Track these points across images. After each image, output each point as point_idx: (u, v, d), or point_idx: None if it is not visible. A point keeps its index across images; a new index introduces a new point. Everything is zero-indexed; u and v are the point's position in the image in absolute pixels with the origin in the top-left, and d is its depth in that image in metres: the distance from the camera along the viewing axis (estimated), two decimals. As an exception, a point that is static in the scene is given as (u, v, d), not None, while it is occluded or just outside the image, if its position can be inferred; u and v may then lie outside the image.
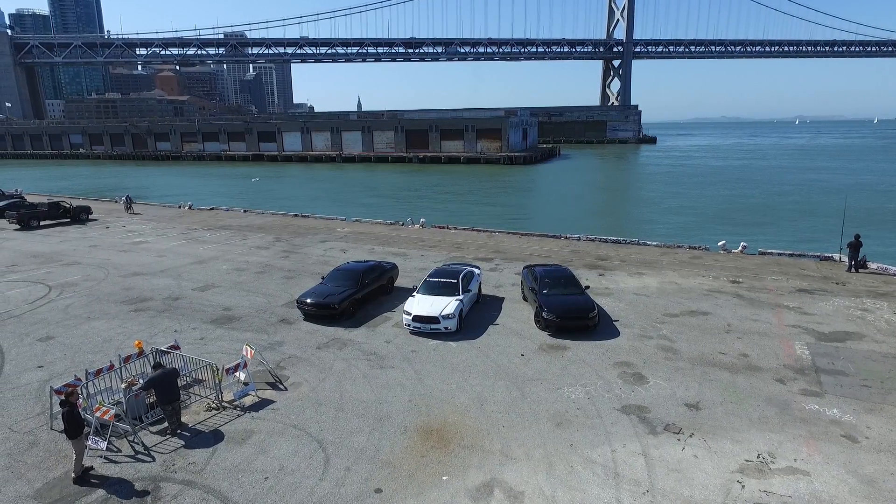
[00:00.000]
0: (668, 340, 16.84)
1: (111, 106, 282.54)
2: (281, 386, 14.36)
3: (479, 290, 20.86)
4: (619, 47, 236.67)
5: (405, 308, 18.05)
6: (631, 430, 12.03)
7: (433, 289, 18.80)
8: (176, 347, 14.81)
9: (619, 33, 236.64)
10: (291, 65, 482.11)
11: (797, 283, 22.32)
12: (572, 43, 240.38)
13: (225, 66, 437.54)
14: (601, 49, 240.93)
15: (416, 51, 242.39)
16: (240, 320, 19.31)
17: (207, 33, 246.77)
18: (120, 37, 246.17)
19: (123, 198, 35.09)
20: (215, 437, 12.15)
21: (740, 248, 28.08)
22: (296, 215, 42.30)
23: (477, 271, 21.16)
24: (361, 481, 10.50)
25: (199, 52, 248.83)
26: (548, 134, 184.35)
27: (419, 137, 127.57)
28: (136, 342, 14.63)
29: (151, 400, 12.60)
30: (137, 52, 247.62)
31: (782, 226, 43.41)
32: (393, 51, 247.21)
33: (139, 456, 11.46)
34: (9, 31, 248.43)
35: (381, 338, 17.55)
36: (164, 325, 18.98)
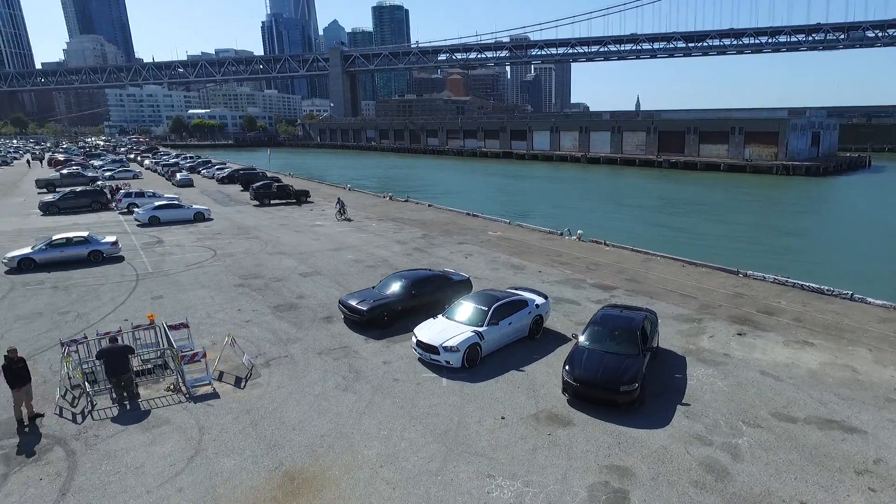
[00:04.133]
0: (733, 458, 11.22)
1: (407, 105, 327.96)
2: (242, 384, 14.18)
3: (539, 324, 17.33)
4: None
5: (415, 329, 16.03)
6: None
7: (460, 313, 16.27)
8: (186, 325, 15.88)
9: None
10: (572, 65, 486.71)
11: None
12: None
13: (508, 67, 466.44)
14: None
15: (698, 44, 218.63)
16: (294, 310, 19.90)
17: (487, 38, 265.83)
18: (419, 45, 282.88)
19: (337, 205, 39.10)
20: (139, 417, 12.60)
21: None
22: (467, 213, 42.19)
23: (539, 301, 17.60)
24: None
25: (478, 55, 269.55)
26: (863, 140, 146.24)
27: (673, 139, 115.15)
28: (149, 315, 16.16)
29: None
30: (438, 58, 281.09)
31: None
32: (671, 46, 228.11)
33: (81, 414, 12.57)
34: (341, 47, 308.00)
35: (384, 357, 15.97)
36: (239, 303, 20.75)
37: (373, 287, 19.63)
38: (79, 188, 46.59)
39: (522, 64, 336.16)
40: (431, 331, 15.54)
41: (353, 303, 18.11)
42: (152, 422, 12.42)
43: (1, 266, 25.47)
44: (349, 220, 38.82)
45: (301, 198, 47.99)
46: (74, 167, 74.70)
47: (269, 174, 64.74)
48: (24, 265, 25.02)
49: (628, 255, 28.60)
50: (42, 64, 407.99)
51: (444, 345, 14.86)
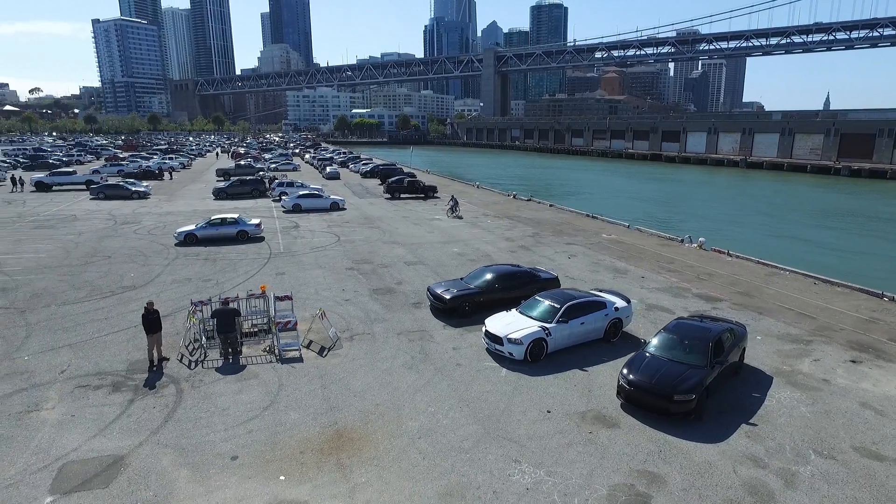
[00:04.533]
0: (786, 485, 10.28)
1: (557, 105, 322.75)
2: (324, 353, 15.99)
3: (617, 327, 16.93)
4: None
5: (486, 320, 16.61)
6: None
7: (532, 308, 16.52)
8: (290, 298, 18.16)
9: None
10: (747, 60, 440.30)
11: None
12: None
13: (671, 64, 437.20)
14: None
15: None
16: (389, 294, 21.57)
17: (650, 33, 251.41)
18: (574, 44, 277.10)
19: (450, 202, 40.56)
20: (236, 370, 14.90)
21: None
22: (587, 215, 41.23)
23: (620, 304, 17.15)
24: (233, 446, 11.36)
25: (637, 52, 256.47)
26: None
27: (859, 143, 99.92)
28: (262, 286, 18.72)
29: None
30: (595, 56, 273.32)
31: None
32: (874, 34, 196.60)
33: (196, 362, 15.26)
34: (495, 48, 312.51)
35: (455, 343, 16.83)
36: (345, 284, 23.00)
37: (461, 278, 20.56)
38: (246, 178, 53.99)
39: (687, 60, 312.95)
40: (500, 322, 16.04)
41: (439, 291, 19.20)
42: (245, 375, 14.65)
43: (172, 239, 30.84)
44: (459, 217, 39.46)
45: (429, 193, 50.53)
46: (248, 160, 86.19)
47: (406, 170, 68.78)
48: (188, 239, 30.05)
49: (751, 268, 26.10)
50: (241, 70, 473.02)
51: (508, 336, 15.30)
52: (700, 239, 30.86)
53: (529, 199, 50.12)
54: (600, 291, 18.40)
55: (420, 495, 9.94)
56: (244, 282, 23.23)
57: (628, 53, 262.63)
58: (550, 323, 15.72)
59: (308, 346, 16.41)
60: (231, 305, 16.15)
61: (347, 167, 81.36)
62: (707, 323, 14.66)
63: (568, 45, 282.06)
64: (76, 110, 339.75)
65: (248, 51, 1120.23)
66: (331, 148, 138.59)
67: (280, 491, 10.03)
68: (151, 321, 14.91)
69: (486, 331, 16.05)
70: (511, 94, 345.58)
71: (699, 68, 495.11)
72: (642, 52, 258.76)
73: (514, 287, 19.61)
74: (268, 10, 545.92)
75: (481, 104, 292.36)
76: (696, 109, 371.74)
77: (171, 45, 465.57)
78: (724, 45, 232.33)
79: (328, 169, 69.45)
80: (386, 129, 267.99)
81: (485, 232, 34.55)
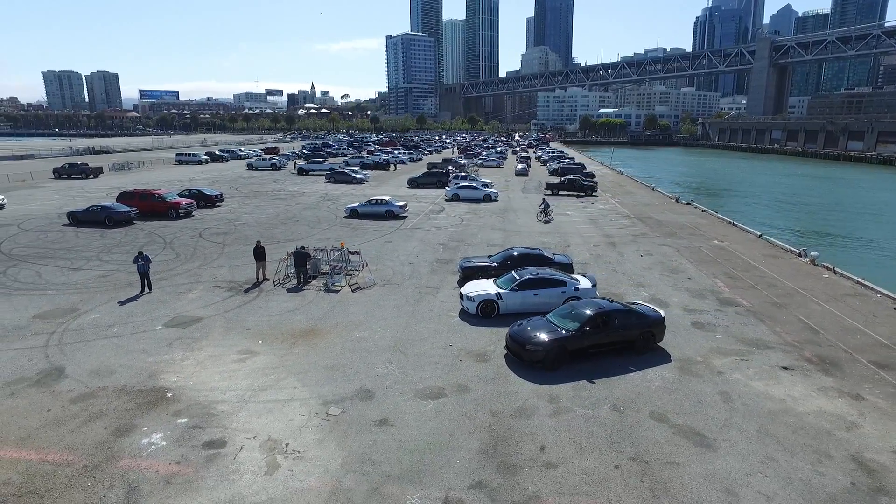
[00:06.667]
0: (552, 415, 13.28)
1: (855, 102, 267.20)
2: (354, 290, 22.64)
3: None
4: None
5: (467, 283, 21.04)
6: (325, 391, 14.16)
7: (503, 279, 20.36)
8: (358, 253, 25.26)
9: None
10: None
11: None
12: None
13: None
14: None
15: None
16: (445, 264, 27.02)
17: None
18: (879, 25, 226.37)
19: (541, 205, 41.60)
20: (298, 291, 22.55)
21: None
22: (730, 223, 39.12)
23: (581, 285, 19.77)
24: (253, 324, 18.81)
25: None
26: None
27: None
28: (342, 242, 26.11)
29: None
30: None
31: None
32: None
33: (278, 283, 23.44)
34: (774, 36, 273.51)
35: (448, 298, 21.69)
36: (425, 255, 29.19)
37: (489, 255, 24.95)
38: (434, 171, 63.68)
39: None
40: (473, 285, 20.40)
41: (462, 263, 24.11)
42: (298, 294, 22.19)
43: (342, 213, 41.07)
44: (547, 221, 39.16)
45: (587, 191, 52.79)
46: (458, 156, 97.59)
47: (595, 169, 70.59)
48: (352, 214, 39.79)
49: (846, 288, 23.81)
50: (507, 73, 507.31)
51: (467, 294, 19.71)
52: (812, 253, 28.25)
53: (688, 204, 48.42)
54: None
55: (316, 365, 15.86)
56: (363, 243, 31.26)
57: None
58: (505, 290, 19.55)
59: (350, 285, 23.26)
60: (308, 251, 23.97)
61: (546, 165, 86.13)
62: (602, 300, 16.89)
63: (874, 26, 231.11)
64: (369, 112, 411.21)
65: (512, 54, 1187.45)
66: (549, 146, 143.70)
67: (251, 346, 17.08)
68: (260, 252, 23.59)
69: (460, 290, 20.66)
70: (788, 89, 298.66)
71: None
72: None
73: (525, 265, 23.22)
74: (533, 15, 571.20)
75: (745, 101, 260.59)
76: None
77: (448, 53, 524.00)
78: None
79: (519, 166, 75.57)
80: (632, 128, 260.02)
81: (594, 228, 36.70)
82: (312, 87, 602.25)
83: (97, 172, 69.04)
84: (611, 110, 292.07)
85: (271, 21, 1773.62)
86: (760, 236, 34.27)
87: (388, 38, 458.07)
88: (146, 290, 22.25)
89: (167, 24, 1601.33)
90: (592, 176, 64.92)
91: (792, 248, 30.59)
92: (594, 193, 53.18)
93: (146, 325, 18.66)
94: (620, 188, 61.80)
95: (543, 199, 43.65)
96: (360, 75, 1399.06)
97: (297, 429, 12.52)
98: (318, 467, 11.14)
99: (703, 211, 44.72)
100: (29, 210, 42.13)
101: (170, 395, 14.04)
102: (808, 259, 28.20)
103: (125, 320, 19.11)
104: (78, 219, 36.17)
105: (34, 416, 13.03)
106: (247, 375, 15.14)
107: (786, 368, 15.86)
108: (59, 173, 66.86)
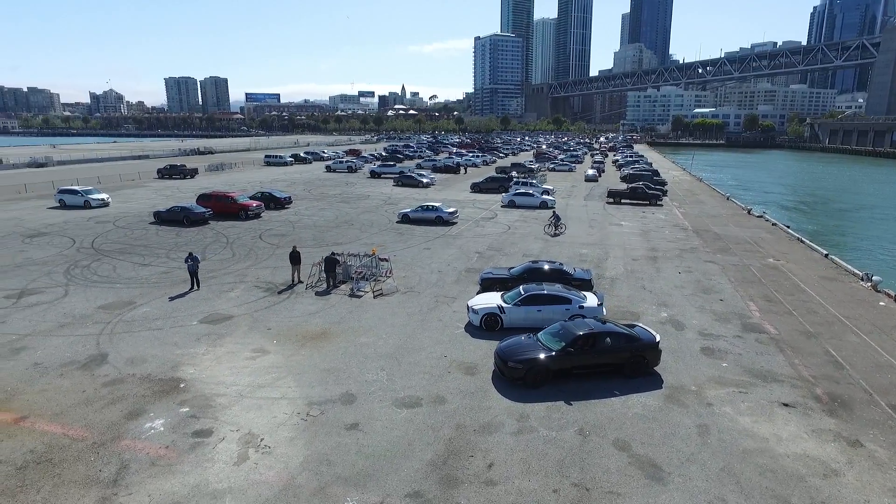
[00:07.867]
0: (514, 434, 13.64)
1: None
2: (376, 296, 23.84)
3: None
4: None
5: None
6: (312, 392, 15.41)
7: (510, 293, 20.69)
8: (387, 260, 26.51)
9: None
10: None
11: None
12: None
13: None
14: None
15: None
16: (470, 273, 27.59)
17: None
18: None
19: (551, 218, 38.99)
20: (325, 294, 24.14)
21: None
22: (797, 239, 36.40)
23: (587, 303, 19.67)
24: (276, 324, 20.52)
25: None
26: None
27: None
28: (373, 249, 27.41)
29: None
30: None
31: None
32: None
33: (309, 286, 25.20)
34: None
35: (458, 308, 22.33)
36: (457, 263, 29.93)
37: (510, 268, 25.24)
38: (496, 176, 63.89)
39: None
40: (479, 298, 20.94)
41: (483, 274, 24.61)
42: (324, 298, 23.76)
43: (395, 218, 42.63)
44: (556, 235, 37.39)
45: (652, 200, 50.88)
46: (529, 160, 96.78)
47: (672, 174, 67.65)
48: (403, 219, 41.27)
49: None
50: (598, 71, 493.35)
51: (472, 306, 20.25)
52: (875, 278, 25.87)
53: (760, 216, 45.35)
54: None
55: (315, 367, 17.17)
56: (404, 249, 32.56)
57: None
58: (509, 304, 19.90)
59: (372, 291, 24.51)
60: (337, 257, 25.54)
61: (621, 171, 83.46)
62: (591, 322, 16.79)
63: None
64: (455, 112, 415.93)
65: (605, 52, 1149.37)
66: (632, 150, 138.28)
67: (266, 345, 18.73)
68: (295, 256, 25.49)
69: (467, 303, 21.22)
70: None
71: None
72: None
73: (542, 279, 23.33)
74: (629, 11, 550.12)
75: (860, 100, 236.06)
76: None
77: (538, 52, 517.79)
78: None
79: (589, 171, 73.93)
80: (730, 129, 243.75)
81: (642, 240, 35.60)
82: (403, 88, 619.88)
83: (193, 173, 75.88)
84: (707, 110, 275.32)
85: (369, 24, 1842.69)
86: (826, 255, 31.70)
87: (477, 38, 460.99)
88: (195, 287, 24.79)
89: (273, 30, 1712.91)
90: (664, 183, 62.27)
91: (856, 271, 28.12)
92: (659, 202, 51.17)
93: (184, 321, 20.94)
94: (692, 196, 58.90)
95: (553, 212, 40.81)
96: (450, 76, 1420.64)
97: (276, 426, 13.82)
98: (280, 462, 12.34)
99: (774, 225, 41.80)
100: (128, 208, 47.50)
101: (182, 385, 15.88)
102: (869, 284, 25.89)
103: (169, 314, 21.54)
104: (162, 218, 40.43)
105: (72, 395, 15.31)
106: (252, 372, 16.73)
107: (786, 405, 15.07)
108: (162, 173, 74.23)
